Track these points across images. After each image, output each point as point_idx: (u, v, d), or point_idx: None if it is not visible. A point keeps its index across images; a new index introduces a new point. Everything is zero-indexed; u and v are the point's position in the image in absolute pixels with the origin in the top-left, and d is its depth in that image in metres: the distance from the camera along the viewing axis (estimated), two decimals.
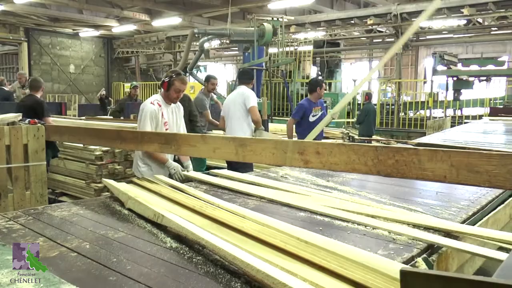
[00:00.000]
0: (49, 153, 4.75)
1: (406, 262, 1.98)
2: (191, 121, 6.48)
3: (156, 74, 25.32)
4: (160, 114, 3.93)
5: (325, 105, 7.29)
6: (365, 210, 2.72)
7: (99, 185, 5.43)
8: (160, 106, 3.96)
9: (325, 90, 6.96)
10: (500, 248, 2.49)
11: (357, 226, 2.46)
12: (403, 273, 0.90)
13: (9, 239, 2.20)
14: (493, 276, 1.01)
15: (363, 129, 11.00)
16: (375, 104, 15.23)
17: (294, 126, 6.37)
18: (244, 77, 6.11)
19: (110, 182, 3.30)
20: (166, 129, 3.98)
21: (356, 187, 3.50)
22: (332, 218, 2.61)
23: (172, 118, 4.09)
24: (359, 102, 14.36)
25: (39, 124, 4.11)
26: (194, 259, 1.99)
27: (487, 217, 2.92)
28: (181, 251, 2.08)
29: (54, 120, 6.65)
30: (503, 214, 3.23)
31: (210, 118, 7.39)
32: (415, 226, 2.44)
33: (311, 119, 6.27)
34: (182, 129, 4.24)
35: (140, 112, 3.97)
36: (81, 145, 5.50)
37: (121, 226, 2.47)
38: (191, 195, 2.97)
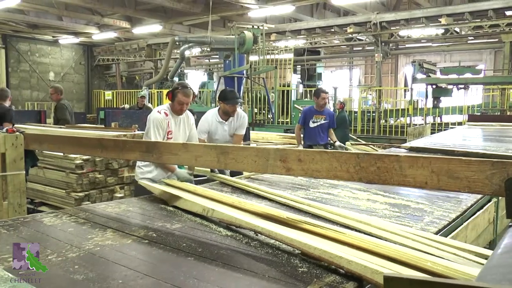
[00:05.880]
0: (28, 162, 4.66)
1: (436, 233, 2.41)
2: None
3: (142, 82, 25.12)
4: (165, 123, 3.88)
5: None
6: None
7: (80, 194, 5.35)
8: (167, 115, 3.90)
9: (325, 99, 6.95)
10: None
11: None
12: (386, 278, 0.90)
13: (82, 231, 2.48)
14: (475, 280, 1.02)
15: (337, 136, 11.08)
16: (356, 112, 15.39)
17: (301, 130, 6.96)
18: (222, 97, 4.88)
19: (147, 183, 3.52)
20: (169, 138, 3.89)
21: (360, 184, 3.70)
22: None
23: (179, 128, 4.01)
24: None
25: (17, 133, 4.03)
26: (251, 244, 2.26)
27: (467, 222, 2.97)
28: (237, 238, 2.36)
29: (34, 128, 6.77)
30: (482, 219, 3.28)
31: None
32: None
33: (311, 125, 6.78)
34: (193, 138, 4.16)
35: (147, 121, 3.95)
36: (61, 154, 5.41)
37: (174, 220, 2.71)
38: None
